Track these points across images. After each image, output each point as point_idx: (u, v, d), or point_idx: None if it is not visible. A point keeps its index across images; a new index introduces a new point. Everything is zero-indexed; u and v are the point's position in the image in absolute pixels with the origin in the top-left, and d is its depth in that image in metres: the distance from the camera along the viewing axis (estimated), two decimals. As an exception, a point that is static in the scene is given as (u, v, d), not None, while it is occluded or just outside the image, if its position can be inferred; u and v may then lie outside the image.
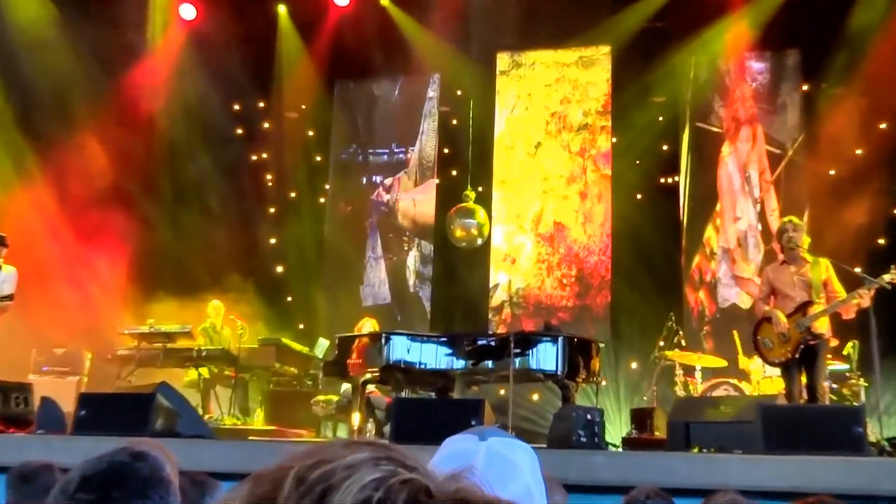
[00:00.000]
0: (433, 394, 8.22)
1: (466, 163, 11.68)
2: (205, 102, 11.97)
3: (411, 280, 12.57)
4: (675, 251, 11.29)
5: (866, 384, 8.04)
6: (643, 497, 3.05)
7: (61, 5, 11.18)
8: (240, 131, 12.89)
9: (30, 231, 10.05)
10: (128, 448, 1.64)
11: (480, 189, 11.65)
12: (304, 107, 13.00)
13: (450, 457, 1.34)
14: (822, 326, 6.70)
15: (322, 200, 13.11)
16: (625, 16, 11.57)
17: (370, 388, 8.29)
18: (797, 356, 6.64)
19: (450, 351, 7.63)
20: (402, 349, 7.63)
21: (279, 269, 12.60)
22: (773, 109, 11.37)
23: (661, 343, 8.96)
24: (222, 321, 10.18)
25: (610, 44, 12.02)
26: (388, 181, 12.99)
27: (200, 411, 8.75)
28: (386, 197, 12.95)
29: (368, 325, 9.13)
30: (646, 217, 11.25)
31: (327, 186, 13.16)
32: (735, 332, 9.06)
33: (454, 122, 12.60)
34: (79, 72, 10.99)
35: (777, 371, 7.53)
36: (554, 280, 11.87)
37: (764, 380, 8.47)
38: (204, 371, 9.70)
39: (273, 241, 12.70)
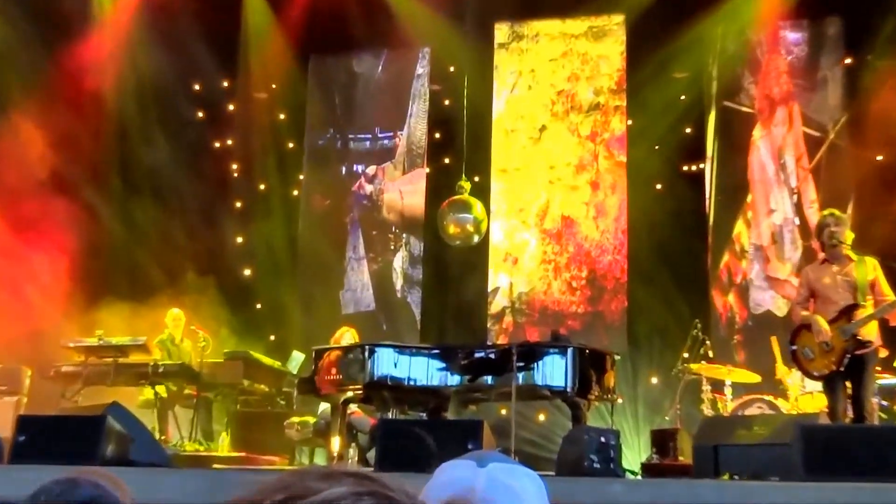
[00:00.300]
0: (424, 414, 8.22)
1: (461, 149, 11.67)
2: (160, 81, 11.95)
3: (398, 284, 12.57)
4: (700, 249, 11.31)
5: (920, 400, 8.06)
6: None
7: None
8: (201, 114, 12.88)
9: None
10: (78, 478, 1.63)
11: (477, 179, 11.66)
12: (274, 86, 12.99)
13: (445, 486, 1.33)
14: (870, 333, 6.69)
15: (295, 193, 13.11)
16: (641, -21, 11.60)
17: (352, 408, 8.28)
18: (842, 368, 6.64)
19: (443, 365, 7.64)
20: (388, 363, 7.64)
21: (247, 271, 12.59)
22: (812, 86, 11.39)
23: (686, 354, 8.96)
24: (182, 332, 10.17)
25: (624, 12, 12.03)
26: (371, 171, 12.98)
27: (157, 435, 8.74)
28: (369, 189, 12.94)
29: (348, 336, 9.13)
30: (667, 210, 11.25)
31: (301, 177, 13.15)
32: (774, 339, 9.05)
33: (447, 102, 12.60)
34: (14, 43, 10.94)
35: (818, 386, 7.54)
36: (562, 283, 11.88)
37: (803, 396, 8.49)
38: (161, 389, 9.68)
39: (239, 239, 12.69)
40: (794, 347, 6.96)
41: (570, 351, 7.44)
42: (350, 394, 7.77)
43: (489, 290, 12.09)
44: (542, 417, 10.90)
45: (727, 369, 8.94)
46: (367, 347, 7.72)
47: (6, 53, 10.98)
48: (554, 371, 7.41)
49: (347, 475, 0.77)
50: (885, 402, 8.02)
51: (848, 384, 6.68)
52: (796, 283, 8.32)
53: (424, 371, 7.63)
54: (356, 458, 8.18)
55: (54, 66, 11.38)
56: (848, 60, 11.22)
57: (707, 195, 11.46)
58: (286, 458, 9.21)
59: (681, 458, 7.31)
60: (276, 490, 0.75)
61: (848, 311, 6.71)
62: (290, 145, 13.11)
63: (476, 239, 10.82)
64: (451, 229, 10.65)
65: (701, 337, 8.87)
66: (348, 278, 12.72)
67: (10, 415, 8.49)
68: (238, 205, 12.83)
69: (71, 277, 10.92)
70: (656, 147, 11.59)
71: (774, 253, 11.11)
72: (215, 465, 8.31)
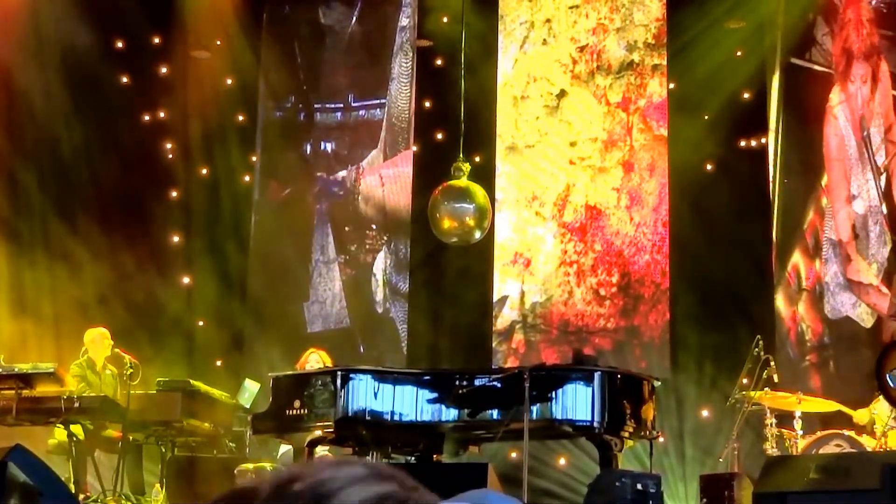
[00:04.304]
0: (412, 458, 8.23)
1: (458, 122, 11.67)
2: (73, 37, 11.93)
3: (379, 294, 12.58)
4: (762, 246, 11.33)
5: None
6: None
7: None
8: (125, 80, 12.86)
9: None
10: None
11: (479, 159, 11.67)
12: (218, 43, 12.98)
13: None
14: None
15: (247, 179, 13.11)
16: None
17: (321, 451, 8.29)
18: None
19: (436, 395, 7.66)
20: (365, 394, 7.66)
21: (185, 279, 12.59)
22: (904, 38, 11.42)
23: (744, 380, 9.00)
24: (104, 357, 10.16)
25: (664, -55, 12.08)
26: (343, 149, 12.99)
27: (73, 488, 8.73)
28: (341, 173, 12.95)
29: (315, 360, 9.15)
30: (719, 197, 11.27)
31: (254, 159, 13.15)
32: None
33: (439, 62, 12.61)
34: None
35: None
36: (587, 290, 11.90)
37: (893, 431, 8.53)
38: (77, 430, 9.66)
39: (176, 238, 12.68)
40: (884, 373, 6.98)
41: (597, 376, 7.46)
42: (318, 433, 7.78)
43: (494, 300, 12.10)
44: (562, 461, 10.91)
45: (797, 398, 8.98)
46: (339, 374, 7.74)
47: None
48: (577, 402, 7.44)
49: (360, 462, 0.95)
50: None
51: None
52: (885, 291, 8.35)
53: (412, 403, 7.65)
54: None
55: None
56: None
57: (771, 177, 11.48)
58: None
59: (739, 510, 7.34)
60: (279, 473, 0.92)
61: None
62: (240, 118, 13.10)
63: (477, 235, 10.81)
64: (446, 224, 10.64)
65: (763, 357, 8.89)
66: (315, 287, 12.72)
67: None
68: (174, 194, 12.82)
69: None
70: (706, 117, 11.61)
71: (856, 250, 11.13)
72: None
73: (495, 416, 7.60)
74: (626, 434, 7.59)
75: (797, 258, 11.30)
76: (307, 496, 0.90)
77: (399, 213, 12.60)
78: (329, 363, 9.15)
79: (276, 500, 0.90)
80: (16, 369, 9.53)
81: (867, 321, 10.70)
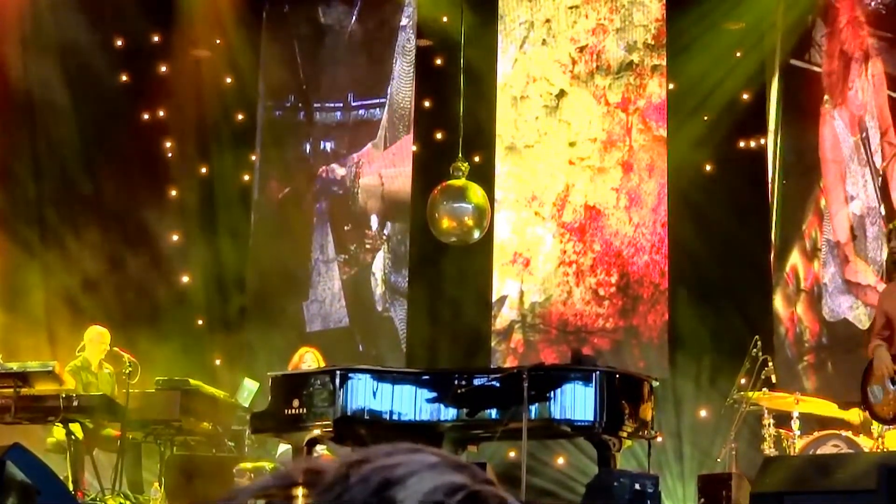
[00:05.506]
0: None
1: (457, 121, 11.68)
2: (73, 35, 11.93)
3: (378, 293, 12.58)
4: (761, 247, 11.34)
5: None
6: None
7: None
8: (124, 78, 12.86)
9: None
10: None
11: (478, 159, 11.67)
12: (218, 42, 12.99)
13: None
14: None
15: (246, 178, 13.11)
16: None
17: (320, 450, 8.30)
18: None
19: (434, 395, 7.67)
20: (364, 393, 7.67)
21: (184, 278, 12.59)
22: (902, 39, 11.42)
23: (742, 380, 9.01)
24: (102, 356, 10.16)
25: (664, -54, 12.08)
26: (342, 149, 12.99)
27: (71, 487, 8.74)
28: (341, 172, 12.95)
29: (309, 359, 9.16)
30: (718, 197, 11.28)
31: (254, 157, 13.15)
32: None
33: (439, 62, 12.62)
34: None
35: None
36: (586, 290, 11.90)
37: (890, 431, 8.53)
38: (76, 428, 9.66)
39: (175, 237, 12.69)
40: (865, 387, 6.99)
41: (596, 376, 7.47)
42: (317, 432, 7.79)
43: (493, 300, 12.10)
44: (560, 461, 10.91)
45: (795, 398, 9.00)
46: (338, 373, 7.75)
47: None
48: (576, 402, 7.44)
49: (433, 450, 0.97)
50: None
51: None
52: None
53: (411, 402, 7.66)
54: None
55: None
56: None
57: (770, 178, 11.49)
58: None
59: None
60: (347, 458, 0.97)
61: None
62: (240, 117, 13.11)
63: (476, 235, 10.82)
64: (445, 223, 10.65)
65: (761, 358, 8.91)
66: (314, 286, 12.72)
67: None
68: (173, 193, 12.82)
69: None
70: (705, 118, 11.62)
71: (854, 251, 11.13)
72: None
73: (494, 415, 7.61)
74: (625, 434, 7.60)
75: (795, 259, 11.31)
76: (375, 479, 0.93)
77: (398, 212, 12.60)
78: (322, 362, 9.15)
79: (345, 478, 0.96)
80: (14, 367, 9.54)
81: (865, 323, 10.69)
